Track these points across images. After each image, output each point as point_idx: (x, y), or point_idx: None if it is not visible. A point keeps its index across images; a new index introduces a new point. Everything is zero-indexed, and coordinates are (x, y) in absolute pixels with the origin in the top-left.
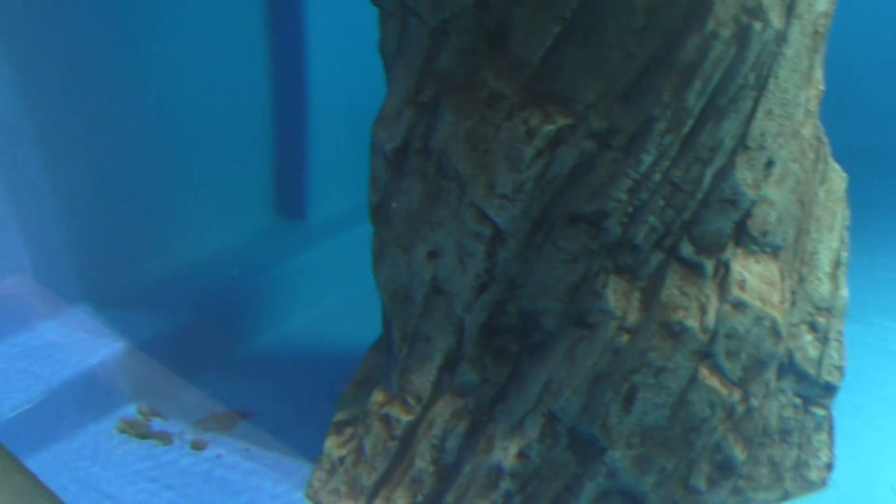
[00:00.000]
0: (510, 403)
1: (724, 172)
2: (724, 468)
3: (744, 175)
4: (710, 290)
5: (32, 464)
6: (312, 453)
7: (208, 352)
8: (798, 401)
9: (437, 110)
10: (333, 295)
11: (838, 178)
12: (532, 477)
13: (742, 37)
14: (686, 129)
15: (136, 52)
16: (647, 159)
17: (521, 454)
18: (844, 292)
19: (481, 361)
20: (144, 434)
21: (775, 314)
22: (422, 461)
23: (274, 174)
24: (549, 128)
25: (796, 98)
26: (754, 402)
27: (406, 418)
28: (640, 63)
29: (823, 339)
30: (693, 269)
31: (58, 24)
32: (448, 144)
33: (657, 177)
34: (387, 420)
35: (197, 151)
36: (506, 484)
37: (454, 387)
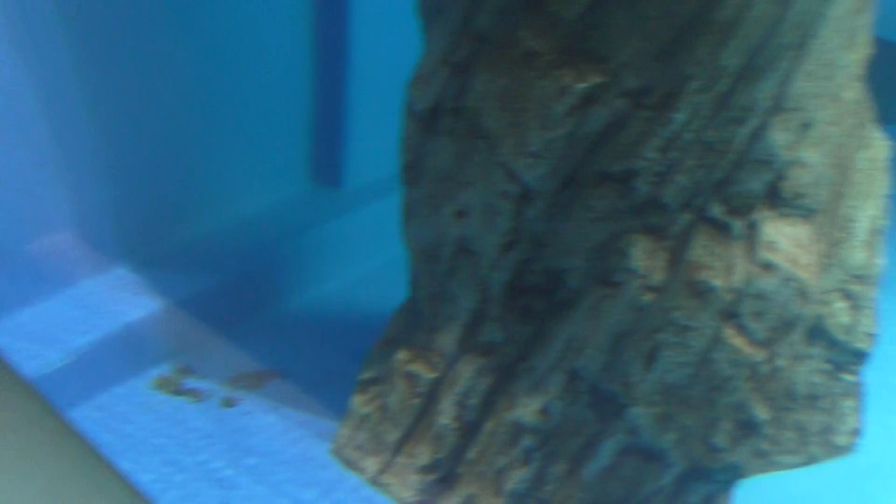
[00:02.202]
0: (532, 361)
1: (759, 133)
2: (747, 427)
3: (778, 136)
4: (738, 250)
5: (71, 415)
6: (340, 412)
7: (242, 313)
8: (828, 367)
9: (472, 70)
10: (366, 261)
11: (881, 145)
12: (552, 434)
13: None
14: (721, 89)
15: (174, 14)
16: (679, 118)
17: (542, 411)
18: (880, 260)
19: (506, 320)
20: (177, 391)
21: (804, 276)
22: (444, 418)
23: (311, 142)
24: (582, 86)
25: (838, 60)
26: (780, 362)
27: (429, 375)
28: (680, 21)
29: (856, 307)
30: (721, 230)
31: None
32: (481, 104)
33: (689, 136)
34: (410, 377)
35: (235, 117)
36: (526, 440)
37: (478, 345)
